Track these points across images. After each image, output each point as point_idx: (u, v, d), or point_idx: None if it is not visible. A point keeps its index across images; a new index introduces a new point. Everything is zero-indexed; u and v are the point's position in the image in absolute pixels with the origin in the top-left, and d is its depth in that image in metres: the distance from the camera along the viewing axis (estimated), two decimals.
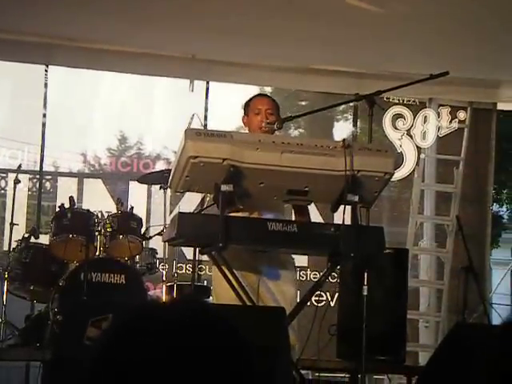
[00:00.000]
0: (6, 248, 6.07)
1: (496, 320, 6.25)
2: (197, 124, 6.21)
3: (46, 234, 5.98)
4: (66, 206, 5.63)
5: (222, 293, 4.08)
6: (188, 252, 6.61)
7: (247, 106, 4.41)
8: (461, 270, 6.02)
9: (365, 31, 5.85)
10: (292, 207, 4.23)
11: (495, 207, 14.78)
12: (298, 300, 4.33)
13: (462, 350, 2.70)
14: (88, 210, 5.79)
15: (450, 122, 7.39)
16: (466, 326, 5.12)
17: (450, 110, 7.41)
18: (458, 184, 7.21)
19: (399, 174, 7.16)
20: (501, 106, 7.72)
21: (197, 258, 5.27)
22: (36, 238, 5.79)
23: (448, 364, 3.32)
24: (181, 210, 4.81)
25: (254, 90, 7.83)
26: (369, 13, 5.49)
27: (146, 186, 6.91)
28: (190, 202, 6.11)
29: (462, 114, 7.39)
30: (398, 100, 7.36)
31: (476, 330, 4.17)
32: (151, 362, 0.97)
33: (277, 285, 4.22)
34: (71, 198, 5.68)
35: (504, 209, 18.37)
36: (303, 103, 7.72)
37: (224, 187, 3.65)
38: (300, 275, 7.01)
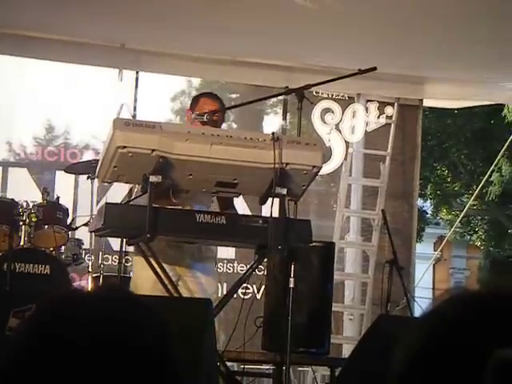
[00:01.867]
0: None
1: (418, 312, 6.38)
2: (126, 114, 6.16)
3: None
4: None
5: (142, 283, 4.06)
6: (115, 243, 6.55)
7: (195, 101, 4.39)
8: (385, 264, 6.13)
9: (295, 25, 5.88)
10: (217, 200, 4.22)
11: (419, 202, 15.04)
12: (220, 293, 4.35)
13: (383, 341, 2.75)
14: (12, 200, 5.68)
15: (378, 117, 7.48)
16: (389, 318, 5.21)
17: (377, 105, 7.50)
18: (385, 179, 7.31)
19: (327, 168, 7.22)
20: (426, 103, 7.86)
21: (123, 249, 5.23)
22: None
23: (370, 355, 3.38)
24: (108, 201, 4.77)
25: (183, 81, 7.81)
26: (300, 7, 5.51)
27: (73, 176, 6.81)
28: (118, 192, 6.05)
29: (389, 110, 7.49)
30: (327, 94, 7.41)
31: (398, 322, 4.25)
32: (74, 350, 0.96)
33: (198, 277, 4.21)
34: None
35: (428, 204, 18.75)
36: (233, 96, 7.71)
37: (153, 178, 3.63)
38: (227, 268, 7.02)
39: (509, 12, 5.39)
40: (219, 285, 6.84)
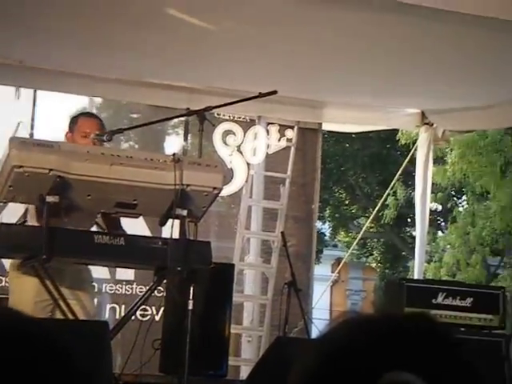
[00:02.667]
0: None
1: (315, 334, 6.45)
2: (23, 133, 6.03)
3: None
4: None
5: (21, 305, 3.94)
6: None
7: (73, 123, 4.31)
8: (284, 286, 6.18)
9: (196, 47, 5.90)
10: (103, 220, 4.16)
11: (318, 224, 15.26)
12: (118, 315, 4.30)
13: (280, 363, 2.77)
14: None
15: (279, 139, 7.56)
16: (286, 340, 5.25)
17: (278, 128, 7.58)
18: (284, 201, 7.38)
19: (229, 190, 7.25)
20: (326, 127, 8.00)
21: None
22: None
23: (267, 377, 3.40)
24: (2, 221, 4.65)
25: (84, 100, 7.70)
26: (200, 28, 5.53)
27: None
28: (13, 212, 5.90)
29: (289, 133, 7.58)
30: (229, 116, 7.45)
31: (295, 344, 4.29)
32: None
33: (80, 299, 4.15)
34: None
35: (326, 226, 19.05)
36: (135, 116, 7.66)
37: (49, 198, 3.56)
38: (126, 289, 6.93)
39: (400, 46, 5.56)
40: (117, 306, 6.75)
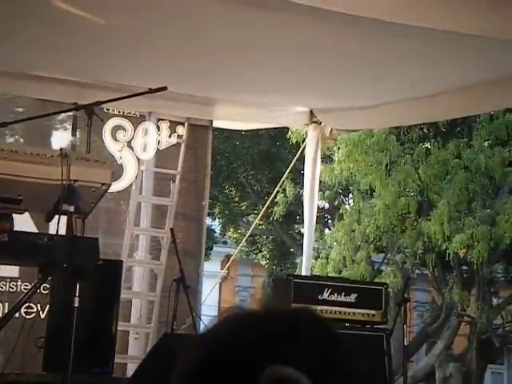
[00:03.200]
0: None
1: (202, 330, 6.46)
2: None
3: None
4: None
5: None
6: None
7: None
8: (173, 282, 6.17)
9: (85, 40, 5.80)
10: None
11: (208, 221, 15.28)
12: (1, 312, 4.19)
13: (166, 359, 2.77)
14: None
15: (170, 136, 7.54)
16: (173, 336, 5.25)
17: (169, 124, 7.55)
18: (174, 198, 7.37)
19: (119, 186, 7.18)
20: (216, 124, 8.03)
21: None
22: None
23: (153, 373, 3.39)
24: None
25: None
26: (91, 22, 5.45)
27: None
28: None
29: (180, 129, 7.57)
30: (119, 112, 7.37)
31: (181, 340, 4.29)
32: None
33: None
34: None
35: (216, 223, 19.10)
36: (20, 110, 7.47)
37: None
38: (10, 286, 6.76)
39: (284, 42, 5.63)
40: (1, 304, 6.58)
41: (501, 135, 13.16)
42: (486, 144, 13.28)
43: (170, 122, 7.55)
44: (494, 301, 15.32)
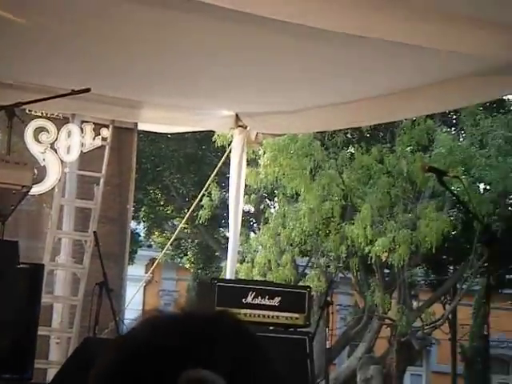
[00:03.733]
0: None
1: None
2: None
3: None
4: None
5: None
6: None
7: None
8: (95, 286, 6.10)
9: (7, 41, 5.70)
10: None
11: (133, 224, 15.18)
12: None
13: (86, 363, 2.74)
14: None
15: (94, 138, 7.45)
16: (94, 340, 5.19)
17: (93, 126, 7.47)
18: (98, 201, 7.29)
19: (41, 188, 7.06)
20: (141, 126, 7.98)
21: None
22: None
23: (72, 377, 3.34)
24: None
25: None
26: (11, 22, 5.35)
27: None
28: None
29: (105, 132, 7.49)
30: (42, 113, 7.26)
31: (102, 344, 4.25)
32: None
33: None
34: None
35: (141, 226, 18.96)
36: None
37: None
38: None
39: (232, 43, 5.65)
40: None
41: (422, 141, 13.44)
42: (407, 149, 13.53)
43: (95, 124, 7.47)
44: (414, 304, 15.61)
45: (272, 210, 15.70)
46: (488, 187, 14.03)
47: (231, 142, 8.35)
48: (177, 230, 10.66)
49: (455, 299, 15.96)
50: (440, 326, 16.16)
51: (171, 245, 15.06)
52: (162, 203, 18.18)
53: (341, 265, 14.79)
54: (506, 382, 25.00)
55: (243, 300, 5.85)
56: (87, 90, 4.49)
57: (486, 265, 11.67)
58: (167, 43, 5.67)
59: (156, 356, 0.97)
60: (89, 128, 7.46)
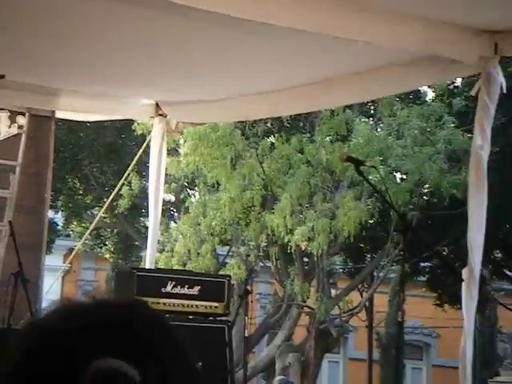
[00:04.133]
0: None
1: None
2: None
3: None
4: None
5: None
6: None
7: None
8: (11, 277, 5.99)
9: None
10: None
11: (51, 214, 14.94)
12: None
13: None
14: None
15: (10, 126, 7.31)
16: (8, 331, 5.12)
17: (9, 114, 7.32)
18: (14, 190, 7.15)
19: None
20: (59, 114, 7.85)
21: None
22: None
23: None
24: None
25: None
26: None
27: None
28: None
29: (21, 120, 7.35)
30: None
31: (15, 335, 4.19)
32: None
33: None
34: None
35: (59, 215, 18.67)
36: None
37: None
38: None
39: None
40: None
41: (341, 131, 13.60)
42: (327, 139, 13.68)
43: (10, 111, 7.32)
44: (333, 292, 15.84)
45: (192, 200, 15.67)
46: (404, 177, 14.30)
47: (151, 130, 8.29)
48: (95, 220, 10.53)
49: (372, 287, 16.25)
50: (357, 314, 16.44)
51: (90, 234, 14.89)
52: (80, 192, 17.94)
53: (261, 254, 14.88)
54: (419, 367, 25.63)
55: (162, 289, 5.84)
56: (1, 77, 4.40)
57: (401, 253, 11.91)
58: (86, 31, 5.59)
59: (66, 345, 0.95)
60: (4, 115, 7.31)
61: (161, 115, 7.72)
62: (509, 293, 19.11)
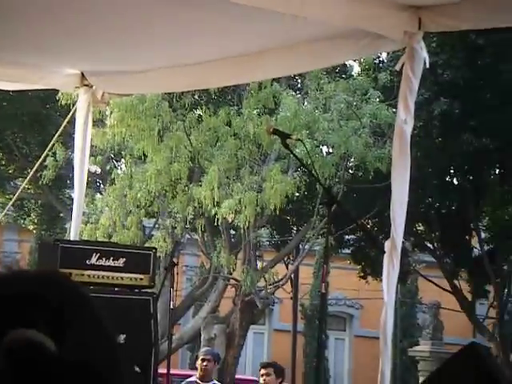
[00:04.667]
0: None
1: None
2: None
3: None
4: None
5: None
6: None
7: None
8: None
9: None
10: None
11: None
12: None
13: None
14: None
15: None
16: None
17: None
18: None
19: None
20: None
21: None
22: None
23: None
24: None
25: None
26: None
27: None
28: None
29: None
30: None
31: None
32: None
33: None
34: None
35: None
36: None
37: None
38: None
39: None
40: None
41: (268, 104, 13.64)
42: (254, 112, 13.69)
43: None
44: (259, 264, 15.96)
45: (119, 171, 15.53)
46: (330, 150, 14.44)
47: (76, 101, 8.15)
48: (19, 191, 10.35)
49: (297, 259, 16.42)
50: (282, 286, 16.61)
51: (13, 206, 14.63)
52: (3, 163, 17.59)
53: (187, 226, 14.87)
54: (342, 338, 26.11)
55: (87, 261, 5.79)
56: None
57: (326, 226, 12.06)
58: None
59: None
60: None
61: (86, 85, 7.58)
62: (430, 265, 19.56)
